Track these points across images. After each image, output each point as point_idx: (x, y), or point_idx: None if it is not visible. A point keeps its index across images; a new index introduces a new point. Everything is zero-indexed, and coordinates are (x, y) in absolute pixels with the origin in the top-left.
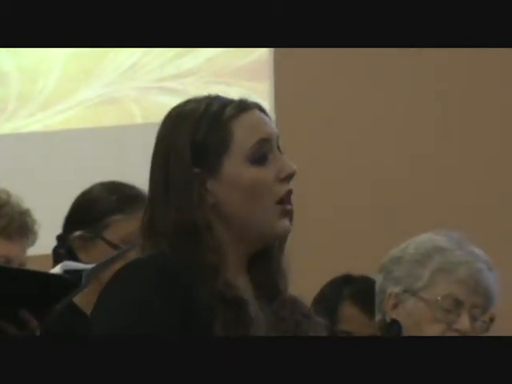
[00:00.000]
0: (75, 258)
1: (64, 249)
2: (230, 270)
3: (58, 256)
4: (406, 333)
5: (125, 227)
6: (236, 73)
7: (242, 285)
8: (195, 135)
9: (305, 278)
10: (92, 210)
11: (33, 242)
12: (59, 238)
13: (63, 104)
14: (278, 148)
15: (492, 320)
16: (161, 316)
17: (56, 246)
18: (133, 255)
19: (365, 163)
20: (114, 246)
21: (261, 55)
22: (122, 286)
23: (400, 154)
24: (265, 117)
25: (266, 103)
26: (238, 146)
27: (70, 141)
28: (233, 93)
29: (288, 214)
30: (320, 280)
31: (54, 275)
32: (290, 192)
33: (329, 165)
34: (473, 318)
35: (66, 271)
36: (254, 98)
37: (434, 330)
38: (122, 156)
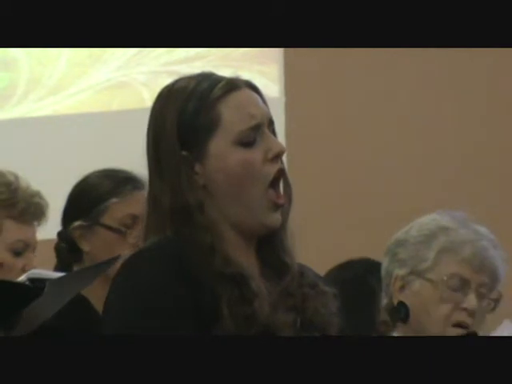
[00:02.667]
0: (77, 250)
1: (65, 242)
2: (231, 248)
3: (60, 251)
4: (413, 315)
5: (121, 210)
6: (245, 56)
7: (247, 263)
8: (182, 116)
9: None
10: (87, 199)
11: (44, 223)
12: (61, 234)
13: (72, 88)
14: (273, 130)
15: (499, 298)
16: (171, 304)
17: (58, 243)
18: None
19: (372, 147)
20: (114, 230)
21: None
22: (132, 279)
23: (409, 140)
24: (255, 96)
25: (276, 86)
26: (225, 129)
27: (80, 125)
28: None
29: (278, 207)
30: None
31: (15, 283)
32: (281, 171)
33: (338, 148)
34: (480, 297)
35: (31, 279)
36: (263, 81)
37: (441, 310)
38: (131, 140)
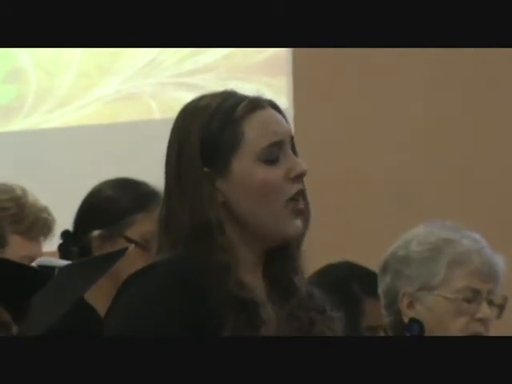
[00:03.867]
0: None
1: (77, 247)
2: (243, 268)
3: (69, 254)
4: (427, 330)
5: (146, 225)
6: (253, 68)
7: (255, 283)
8: (206, 133)
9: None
10: (109, 210)
11: (51, 238)
12: (69, 235)
13: (81, 100)
14: (293, 147)
15: (504, 304)
16: (171, 319)
17: (65, 243)
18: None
19: (381, 159)
20: (138, 244)
21: (278, 51)
22: (133, 291)
23: (416, 150)
24: (278, 115)
25: (284, 99)
26: (248, 146)
27: (88, 136)
28: (250, 88)
29: (299, 213)
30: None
31: (24, 265)
32: (301, 192)
33: (347, 160)
34: (490, 304)
35: (41, 266)
36: (271, 93)
37: (458, 323)
38: (140, 151)
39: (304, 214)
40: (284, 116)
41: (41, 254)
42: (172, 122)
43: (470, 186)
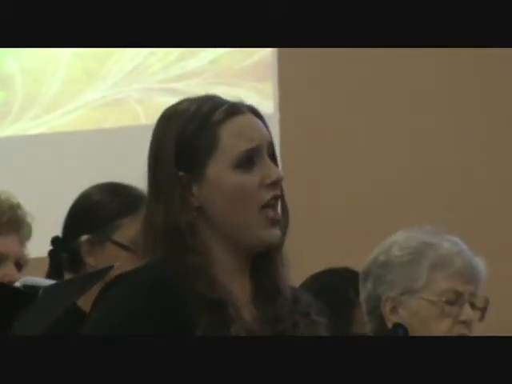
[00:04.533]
0: (80, 263)
1: (67, 253)
2: (222, 271)
3: (58, 260)
4: (411, 334)
5: (134, 229)
6: (240, 74)
7: (236, 286)
8: (182, 137)
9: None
10: (97, 214)
11: (29, 235)
12: (58, 241)
13: (68, 106)
14: (273, 152)
15: (486, 306)
16: (149, 320)
17: (55, 250)
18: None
19: (366, 163)
20: (126, 248)
21: (264, 56)
22: (112, 298)
23: (401, 153)
24: (257, 121)
25: (270, 104)
26: (224, 152)
27: (75, 142)
28: (236, 94)
29: (275, 223)
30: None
31: (7, 286)
32: (276, 197)
33: (333, 164)
34: (472, 306)
35: (25, 286)
36: (257, 98)
37: (442, 326)
38: (126, 157)
39: (280, 222)
40: (264, 122)
41: (15, 250)
42: None
43: (455, 190)
